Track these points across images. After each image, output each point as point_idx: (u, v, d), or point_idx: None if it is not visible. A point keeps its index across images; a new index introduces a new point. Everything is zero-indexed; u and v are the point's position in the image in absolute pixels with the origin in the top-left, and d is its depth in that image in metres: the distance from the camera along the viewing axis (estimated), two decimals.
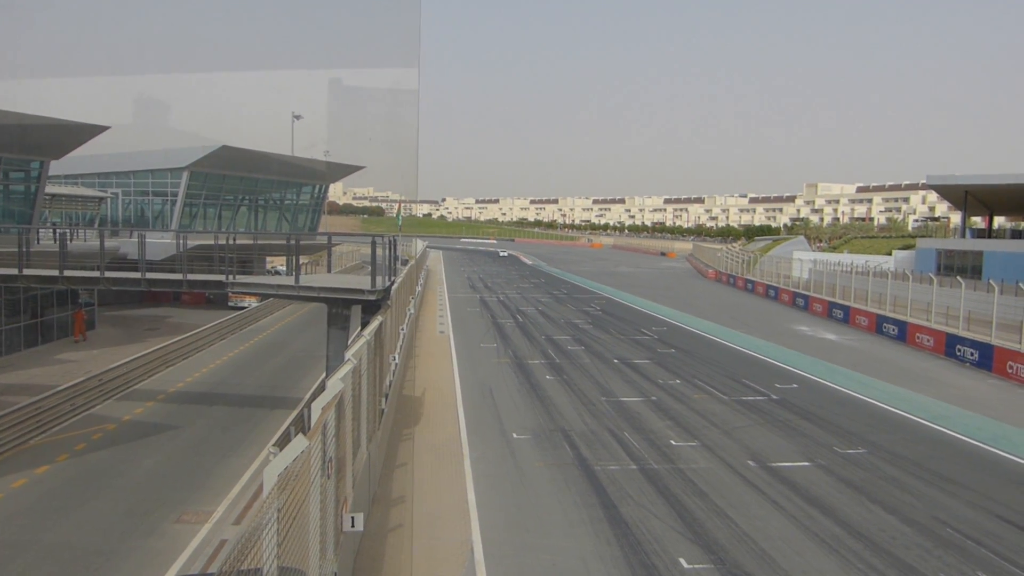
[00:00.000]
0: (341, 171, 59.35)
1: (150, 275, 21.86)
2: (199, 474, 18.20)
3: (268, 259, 55.74)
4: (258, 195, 52.54)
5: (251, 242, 37.33)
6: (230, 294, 39.97)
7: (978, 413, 22.29)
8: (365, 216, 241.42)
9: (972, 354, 30.13)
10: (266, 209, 54.01)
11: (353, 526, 9.64)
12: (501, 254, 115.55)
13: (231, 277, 21.22)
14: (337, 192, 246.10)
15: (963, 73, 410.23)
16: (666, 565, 11.80)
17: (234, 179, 49.11)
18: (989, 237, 57.99)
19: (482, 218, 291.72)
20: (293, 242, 24.16)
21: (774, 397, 23.59)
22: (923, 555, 12.30)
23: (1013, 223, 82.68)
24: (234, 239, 21.78)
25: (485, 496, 14.76)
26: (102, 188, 46.55)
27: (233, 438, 21.23)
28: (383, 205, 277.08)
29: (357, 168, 58.93)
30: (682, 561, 11.93)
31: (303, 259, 41.82)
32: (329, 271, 27.68)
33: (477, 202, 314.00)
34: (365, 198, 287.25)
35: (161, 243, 38.74)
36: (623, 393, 23.83)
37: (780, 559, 12.05)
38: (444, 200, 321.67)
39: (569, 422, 20.30)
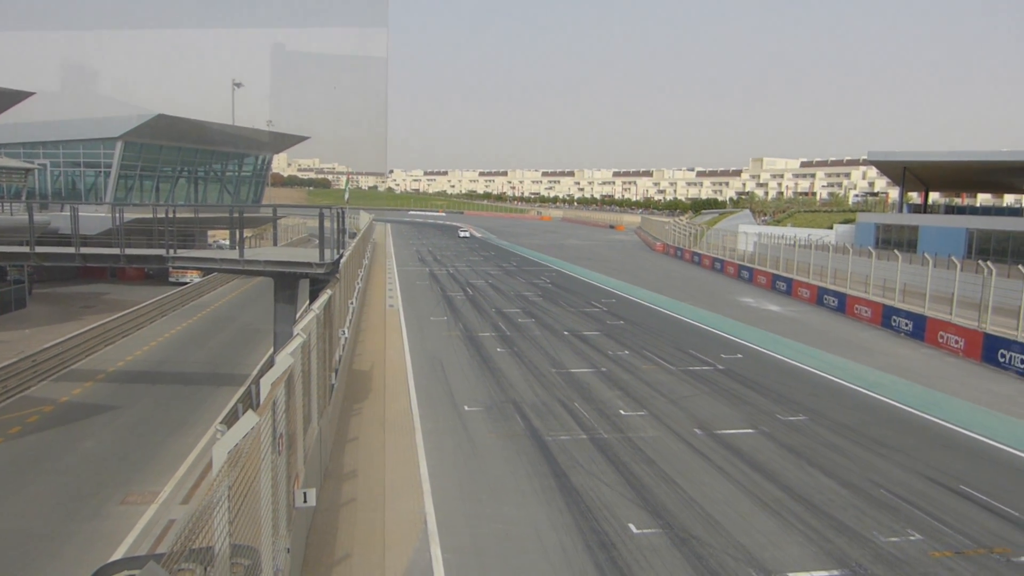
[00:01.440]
0: (285, 141, 58.19)
1: (85, 250, 21.14)
2: (143, 454, 17.85)
3: (210, 233, 54.46)
4: (198, 166, 51.15)
5: (192, 215, 36.43)
6: (171, 269, 39.00)
7: (911, 381, 23.14)
8: (311, 188, 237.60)
9: (907, 324, 31.19)
10: (207, 181, 52.66)
11: (305, 501, 9.58)
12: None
13: (172, 251, 20.69)
14: (281, 164, 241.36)
15: (905, 53, 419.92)
16: (616, 531, 12.04)
17: (171, 150, 47.72)
18: (925, 212, 59.86)
19: (431, 190, 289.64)
20: (237, 214, 23.61)
21: (719, 367, 24.10)
22: (859, 515, 12.79)
23: (947, 199, 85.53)
24: (174, 212, 21.16)
25: (437, 468, 14.82)
26: (28, 159, 44.70)
27: (178, 417, 20.84)
28: (329, 177, 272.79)
29: (302, 138, 57.87)
30: (631, 527, 12.19)
31: (246, 233, 41.01)
32: (275, 244, 27.22)
33: (425, 174, 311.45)
34: (311, 170, 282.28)
35: (96, 217, 37.52)
36: (573, 364, 24.07)
37: (725, 522, 12.40)
38: (392, 172, 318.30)
39: (520, 394, 20.45)
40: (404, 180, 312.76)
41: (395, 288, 43.29)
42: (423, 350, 26.13)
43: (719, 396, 20.58)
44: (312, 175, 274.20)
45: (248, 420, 6.39)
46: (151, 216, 22.59)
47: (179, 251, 20.97)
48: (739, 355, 26.11)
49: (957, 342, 27.56)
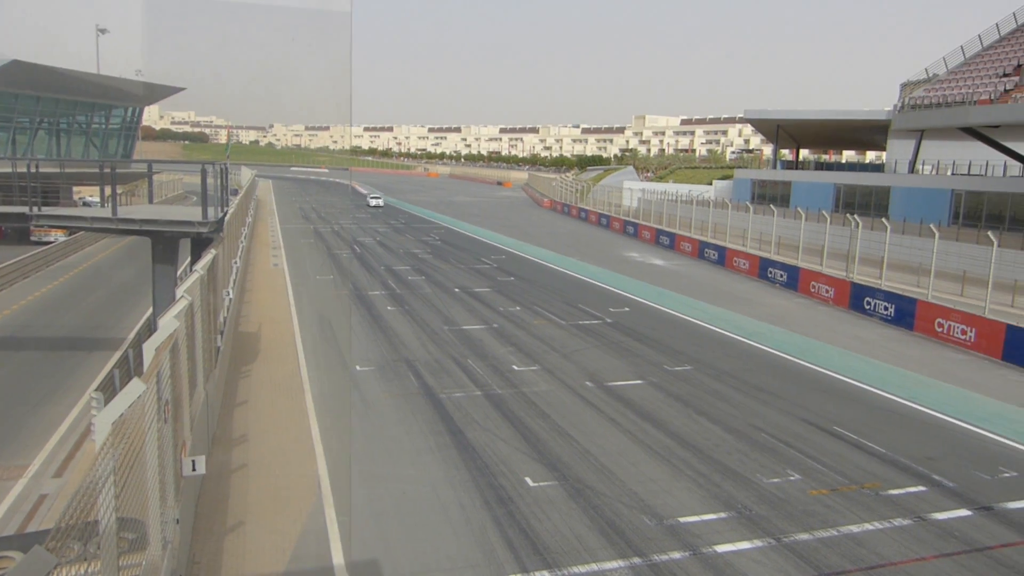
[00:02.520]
0: (158, 92, 54.67)
1: None
2: (9, 426, 16.64)
3: (75, 189, 50.83)
4: (59, 118, 47.40)
5: (57, 170, 33.84)
6: (33, 228, 36.26)
7: (787, 329, 24.49)
8: (186, 142, 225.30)
9: (782, 276, 32.91)
10: (70, 134, 48.90)
11: (194, 469, 9.20)
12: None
13: (35, 209, 19.14)
14: (153, 116, 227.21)
15: (781, 14, 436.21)
16: (513, 485, 12.22)
17: (29, 99, 43.89)
18: (797, 168, 62.94)
19: (312, 146, 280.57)
20: (108, 169, 22.06)
21: (608, 320, 24.71)
22: (742, 459, 13.50)
23: (816, 155, 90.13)
24: (36, 166, 19.52)
25: (330, 429, 14.57)
26: None
27: (46, 385, 19.51)
28: (207, 131, 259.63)
29: (176, 89, 54.51)
30: (528, 480, 12.40)
31: (117, 190, 38.52)
32: (151, 202, 25.66)
33: (307, 129, 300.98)
34: (186, 123, 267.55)
35: None
36: (465, 321, 24.10)
37: (618, 471, 12.81)
38: (272, 127, 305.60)
39: (413, 352, 20.32)
40: (285, 135, 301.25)
41: (279, 247, 41.92)
42: (310, 310, 25.50)
43: (608, 349, 21.13)
44: (187, 128, 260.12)
45: (134, 388, 6.02)
46: (10, 171, 20.71)
47: (44, 208, 19.42)
48: (626, 308, 26.84)
49: (828, 291, 29.32)
